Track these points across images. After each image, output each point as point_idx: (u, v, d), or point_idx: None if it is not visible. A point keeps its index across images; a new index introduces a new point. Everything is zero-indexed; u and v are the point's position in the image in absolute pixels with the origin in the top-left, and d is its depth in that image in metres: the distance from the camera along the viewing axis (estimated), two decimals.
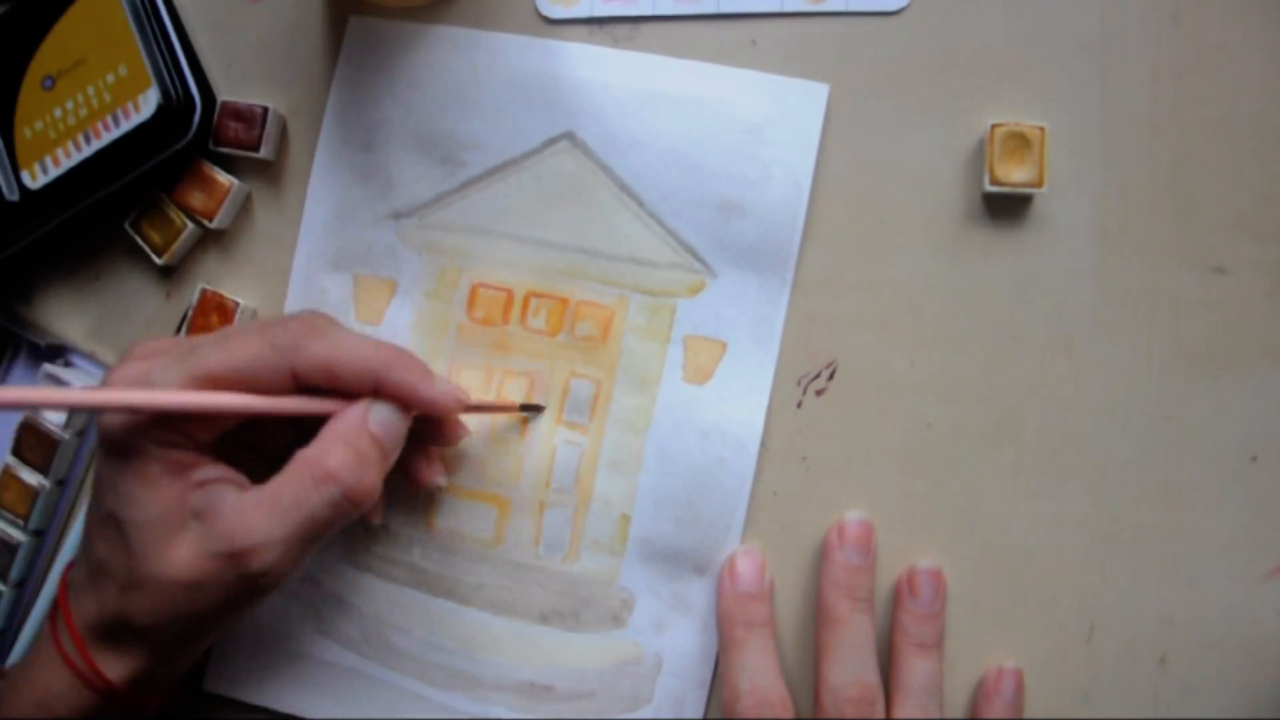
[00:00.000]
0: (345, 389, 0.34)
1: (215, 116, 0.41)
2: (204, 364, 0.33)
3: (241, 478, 0.34)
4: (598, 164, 0.38)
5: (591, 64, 0.39)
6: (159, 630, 0.33)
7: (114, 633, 0.34)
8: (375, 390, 0.34)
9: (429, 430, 0.37)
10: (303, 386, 0.34)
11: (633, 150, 0.38)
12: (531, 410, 0.39)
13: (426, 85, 0.40)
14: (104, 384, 0.34)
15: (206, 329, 0.41)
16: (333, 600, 0.40)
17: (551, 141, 0.39)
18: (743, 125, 0.38)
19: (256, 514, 0.32)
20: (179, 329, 0.42)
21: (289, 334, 0.33)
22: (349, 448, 0.33)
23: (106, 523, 0.33)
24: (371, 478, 0.34)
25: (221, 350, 0.33)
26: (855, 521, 0.36)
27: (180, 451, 0.33)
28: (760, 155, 0.37)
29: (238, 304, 0.41)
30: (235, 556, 0.32)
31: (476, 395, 0.39)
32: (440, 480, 0.38)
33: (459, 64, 0.40)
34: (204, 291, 0.41)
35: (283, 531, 0.32)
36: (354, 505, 0.33)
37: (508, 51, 0.39)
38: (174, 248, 0.41)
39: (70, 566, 0.36)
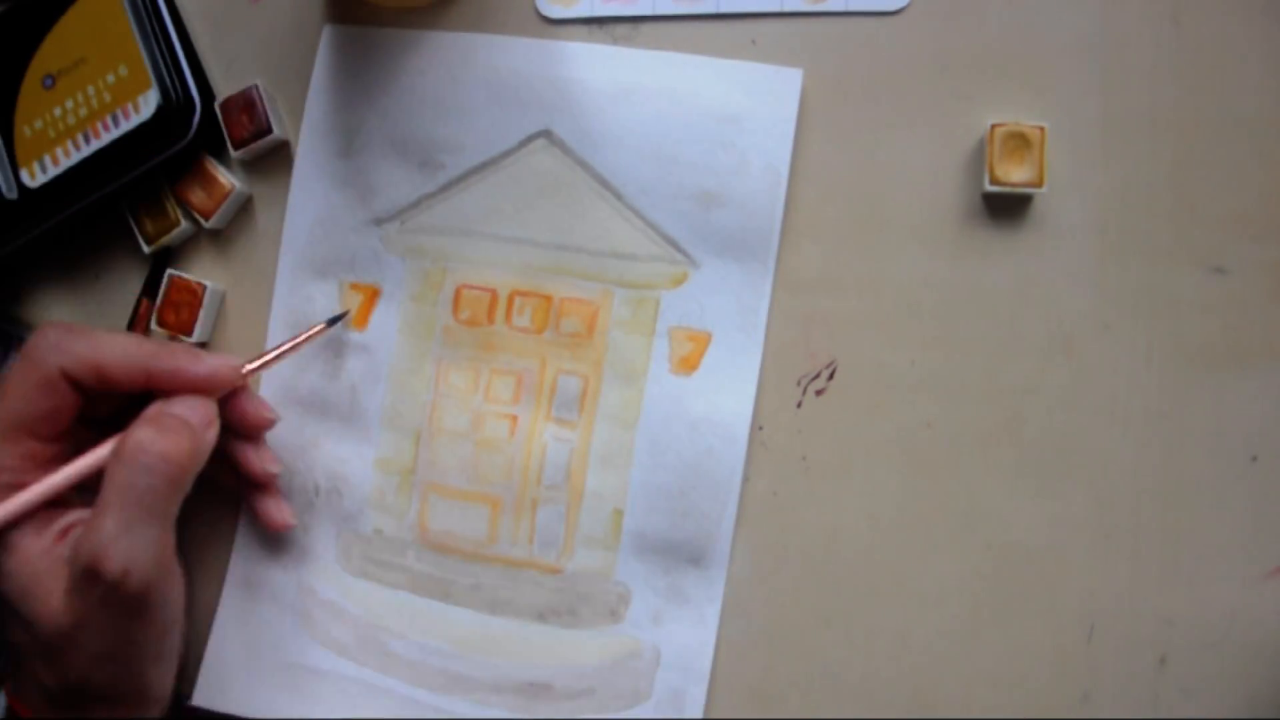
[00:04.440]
0: (117, 386, 0.34)
1: (219, 118, 0.40)
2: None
3: None
4: (575, 160, 0.38)
5: (565, 61, 0.39)
6: (99, 678, 0.33)
7: (68, 701, 0.33)
8: (147, 383, 0.34)
9: (234, 427, 0.37)
10: (86, 398, 0.34)
11: (609, 145, 0.38)
12: (336, 321, 0.39)
13: (401, 89, 0.40)
14: None
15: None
16: (326, 607, 0.40)
17: (528, 140, 0.39)
18: (717, 114, 0.38)
19: (92, 525, 0.31)
20: (133, 313, 0.42)
21: (46, 340, 0.33)
22: (147, 424, 0.33)
23: (2, 606, 0.33)
24: (180, 441, 0.32)
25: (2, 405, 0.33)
26: None
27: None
28: (736, 144, 0.37)
29: (204, 286, 0.40)
30: (90, 575, 0.30)
31: (465, 396, 0.39)
32: (273, 467, 0.38)
33: (433, 67, 0.40)
34: (171, 278, 0.41)
35: (115, 524, 0.31)
36: (176, 465, 0.32)
37: (481, 52, 0.39)
38: (163, 240, 0.41)
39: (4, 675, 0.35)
